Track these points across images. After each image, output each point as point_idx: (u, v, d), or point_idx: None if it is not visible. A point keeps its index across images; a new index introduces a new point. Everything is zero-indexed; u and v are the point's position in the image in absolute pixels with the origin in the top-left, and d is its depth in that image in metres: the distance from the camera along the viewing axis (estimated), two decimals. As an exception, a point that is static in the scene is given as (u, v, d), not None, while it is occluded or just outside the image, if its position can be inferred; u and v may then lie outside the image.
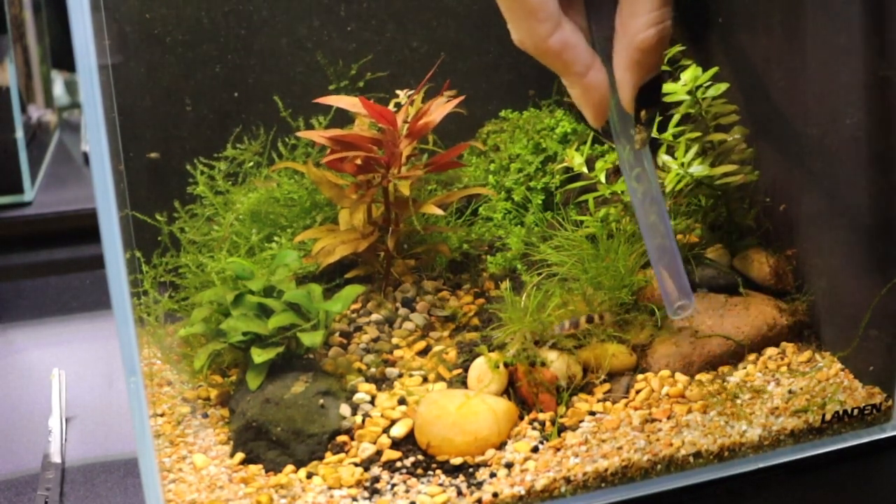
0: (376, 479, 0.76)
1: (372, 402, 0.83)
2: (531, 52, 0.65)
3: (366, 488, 0.75)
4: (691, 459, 0.78)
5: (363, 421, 0.81)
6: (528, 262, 0.92)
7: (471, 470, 0.77)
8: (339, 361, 0.87)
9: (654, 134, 0.92)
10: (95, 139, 0.60)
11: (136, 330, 0.65)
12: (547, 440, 0.79)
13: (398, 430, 0.80)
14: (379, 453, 0.78)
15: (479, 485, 0.75)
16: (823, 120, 0.86)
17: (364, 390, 0.84)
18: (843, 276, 0.88)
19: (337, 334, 0.91)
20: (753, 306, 0.90)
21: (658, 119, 0.73)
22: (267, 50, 1.01)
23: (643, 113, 0.67)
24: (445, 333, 0.92)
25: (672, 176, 0.92)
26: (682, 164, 0.91)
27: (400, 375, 0.87)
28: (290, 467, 0.77)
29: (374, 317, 0.94)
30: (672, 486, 0.78)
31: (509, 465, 0.76)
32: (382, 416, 0.82)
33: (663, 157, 0.93)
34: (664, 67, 0.93)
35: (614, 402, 0.83)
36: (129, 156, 0.99)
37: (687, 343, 0.87)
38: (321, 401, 0.81)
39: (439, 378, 0.86)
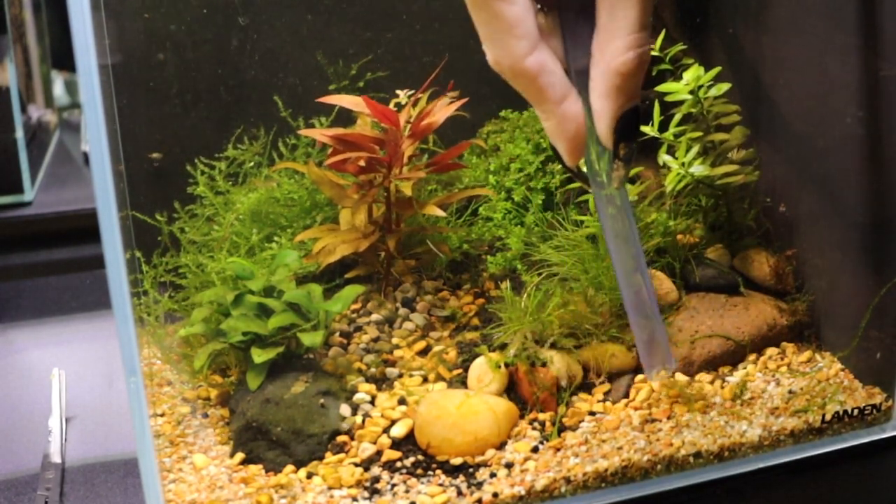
0: (376, 479, 0.76)
1: (372, 402, 0.83)
2: (506, 73, 0.61)
3: (366, 488, 0.75)
4: (691, 459, 0.78)
5: (363, 421, 0.81)
6: (529, 262, 0.92)
7: (471, 470, 0.77)
8: (339, 361, 0.87)
9: (655, 133, 0.92)
10: (95, 139, 0.60)
11: (136, 330, 0.65)
12: (547, 440, 0.79)
13: (398, 430, 0.80)
14: (379, 453, 0.78)
15: (479, 485, 0.75)
16: (824, 120, 0.86)
17: (364, 390, 0.84)
18: (843, 276, 0.88)
19: (337, 334, 0.91)
20: (753, 306, 0.90)
21: (642, 139, 0.68)
22: (267, 49, 1.01)
23: (622, 147, 0.64)
24: (445, 333, 0.92)
25: (672, 176, 0.92)
26: (683, 164, 0.91)
27: (400, 375, 0.87)
28: (290, 467, 0.77)
29: (374, 317, 0.94)
30: (672, 486, 0.78)
31: (509, 465, 0.76)
32: (382, 416, 0.82)
33: (664, 157, 0.93)
34: (665, 66, 0.94)
35: (614, 402, 0.83)
36: (129, 156, 0.98)
37: (687, 343, 0.87)
38: (321, 401, 0.81)
39: (439, 378, 0.86)
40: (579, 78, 0.63)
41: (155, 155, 1.00)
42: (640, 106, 0.63)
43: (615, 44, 0.60)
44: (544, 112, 0.63)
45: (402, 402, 0.83)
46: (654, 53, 0.93)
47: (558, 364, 0.83)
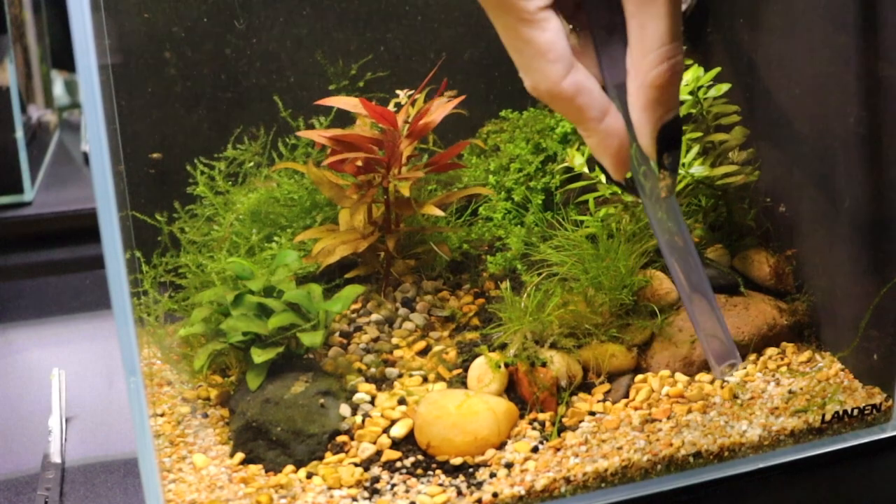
0: (376, 479, 0.76)
1: (372, 402, 0.83)
2: (544, 97, 0.62)
3: (366, 488, 0.75)
4: (691, 459, 0.78)
5: (363, 421, 0.81)
6: (528, 262, 0.92)
7: (471, 470, 0.77)
8: (339, 361, 0.87)
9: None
10: (95, 139, 0.60)
11: (136, 330, 0.65)
12: (547, 440, 0.79)
13: (398, 430, 0.80)
14: (379, 453, 0.78)
15: (479, 485, 0.75)
16: (824, 119, 0.86)
17: (364, 390, 0.84)
18: (843, 276, 0.88)
19: (337, 334, 0.92)
20: (753, 306, 0.90)
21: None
22: (267, 49, 1.01)
23: (665, 157, 0.64)
24: (445, 333, 0.92)
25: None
26: (683, 165, 0.91)
27: (400, 375, 0.87)
28: (289, 467, 0.77)
29: (374, 317, 0.94)
30: (672, 486, 0.78)
31: (509, 465, 0.76)
32: (382, 416, 0.82)
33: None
34: None
35: (614, 402, 0.83)
36: (129, 156, 0.99)
37: (687, 343, 0.87)
38: (321, 401, 0.81)
39: (439, 378, 0.86)
40: (617, 92, 0.63)
41: (155, 155, 1.00)
42: (680, 117, 0.63)
43: (648, 58, 0.60)
44: (586, 130, 0.63)
45: (402, 402, 0.83)
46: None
47: (558, 364, 0.83)
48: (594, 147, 0.64)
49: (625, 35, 0.61)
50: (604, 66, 0.64)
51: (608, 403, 0.83)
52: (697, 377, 0.86)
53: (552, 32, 0.60)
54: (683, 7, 0.67)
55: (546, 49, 0.60)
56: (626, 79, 0.63)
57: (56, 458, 0.83)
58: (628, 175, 0.66)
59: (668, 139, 0.63)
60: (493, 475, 0.76)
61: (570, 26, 0.64)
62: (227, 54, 1.00)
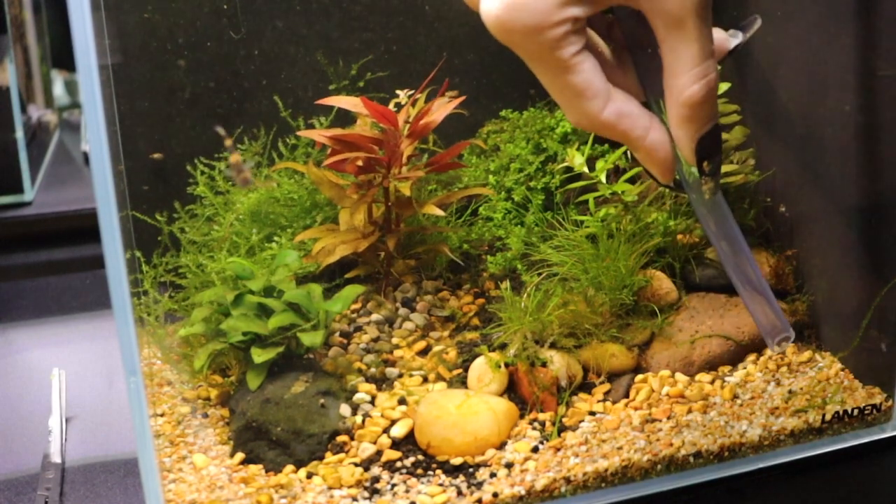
0: (376, 479, 0.76)
1: (372, 402, 0.83)
2: (588, 129, 0.65)
3: (366, 488, 0.75)
4: (691, 459, 0.78)
5: (363, 421, 0.81)
6: (529, 262, 0.92)
7: (471, 470, 0.77)
8: (339, 361, 0.87)
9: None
10: (95, 139, 0.60)
11: (136, 330, 0.65)
12: (547, 440, 0.79)
13: (398, 430, 0.80)
14: (379, 453, 0.78)
15: (479, 485, 0.75)
16: (824, 119, 0.86)
17: (364, 390, 0.84)
18: (843, 276, 0.88)
19: (337, 334, 0.91)
20: (753, 306, 0.90)
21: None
22: (267, 49, 1.01)
23: (705, 165, 0.67)
24: (445, 333, 0.92)
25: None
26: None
27: (400, 375, 0.87)
28: (290, 467, 0.77)
29: (374, 317, 0.94)
30: (672, 486, 0.78)
31: (509, 465, 0.76)
32: (382, 416, 0.82)
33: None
34: None
35: (614, 402, 0.83)
36: (129, 156, 0.99)
37: (687, 343, 0.87)
38: (321, 401, 0.81)
39: (439, 378, 0.86)
40: (659, 106, 0.66)
41: (156, 155, 1.00)
42: (719, 126, 0.66)
43: (681, 80, 0.63)
44: (632, 148, 0.66)
45: (402, 402, 0.83)
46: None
47: (558, 364, 0.83)
48: (641, 160, 0.67)
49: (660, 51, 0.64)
50: (643, 81, 0.67)
51: (608, 403, 0.83)
52: (697, 377, 0.86)
53: (587, 72, 0.63)
54: (734, 43, 0.70)
55: (583, 89, 0.63)
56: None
57: (56, 458, 0.83)
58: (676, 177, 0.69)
59: (707, 149, 0.66)
60: (493, 475, 0.76)
61: (611, 44, 0.67)
62: (227, 54, 1.00)
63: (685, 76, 0.62)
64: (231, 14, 0.99)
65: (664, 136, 0.66)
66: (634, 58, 0.67)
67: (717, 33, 0.68)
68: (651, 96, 0.66)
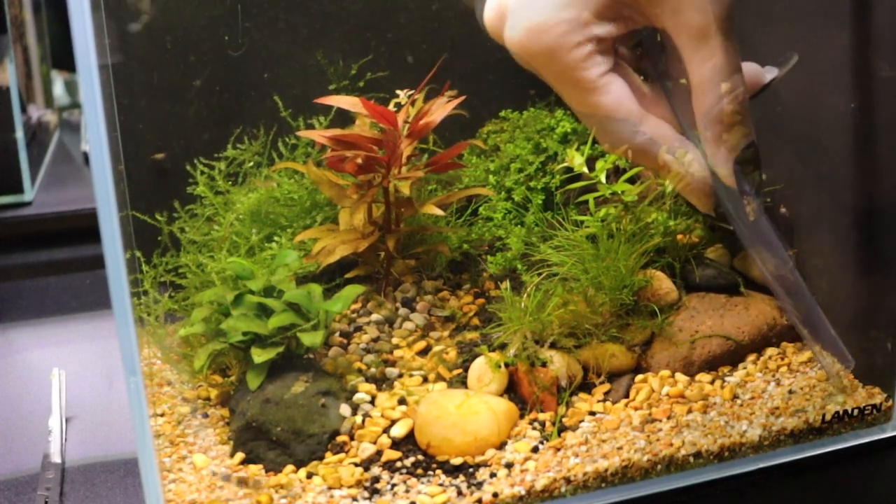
0: (376, 479, 0.76)
1: (372, 402, 0.83)
2: (623, 155, 0.65)
3: (366, 488, 0.75)
4: (691, 459, 0.78)
5: (363, 421, 0.81)
6: (529, 262, 0.92)
7: (471, 470, 0.77)
8: (339, 361, 0.87)
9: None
10: (95, 139, 0.60)
11: (136, 330, 0.65)
12: (547, 440, 0.79)
13: (398, 430, 0.80)
14: (379, 453, 0.78)
15: (479, 485, 0.75)
16: (824, 119, 0.86)
17: (364, 390, 0.84)
18: (843, 276, 0.88)
19: (337, 334, 0.91)
20: (753, 306, 0.90)
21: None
22: (267, 49, 1.01)
23: (745, 182, 0.66)
24: (445, 333, 0.92)
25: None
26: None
27: (400, 375, 0.87)
28: (290, 467, 0.77)
29: (374, 317, 0.94)
30: (672, 486, 0.78)
31: (509, 465, 0.76)
32: (382, 416, 0.82)
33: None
34: None
35: (614, 402, 0.83)
36: (129, 156, 0.99)
37: (687, 343, 0.87)
38: (321, 401, 0.81)
39: (439, 378, 0.86)
40: (692, 134, 0.65)
41: (158, 155, 1.00)
42: (755, 143, 0.65)
43: (709, 96, 0.62)
44: (670, 178, 0.66)
45: (402, 402, 0.83)
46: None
47: (558, 364, 0.83)
48: (680, 190, 0.67)
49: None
50: (676, 112, 0.66)
51: (608, 403, 0.83)
52: (697, 377, 0.86)
53: (616, 93, 0.63)
54: (769, 78, 0.70)
55: (613, 109, 0.63)
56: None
57: (56, 458, 0.83)
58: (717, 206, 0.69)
59: (745, 167, 0.65)
60: (493, 475, 0.76)
61: (642, 76, 0.66)
62: (227, 54, 1.00)
63: (713, 92, 0.62)
64: (231, 13, 0.99)
65: (701, 161, 0.65)
66: (665, 89, 0.66)
67: (753, 67, 0.67)
68: (686, 126, 0.66)
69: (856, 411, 0.82)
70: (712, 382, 0.85)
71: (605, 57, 0.61)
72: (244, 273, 0.86)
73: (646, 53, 0.66)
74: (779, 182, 0.93)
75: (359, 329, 0.93)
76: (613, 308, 0.87)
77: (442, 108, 0.90)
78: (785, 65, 0.73)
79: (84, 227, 1.26)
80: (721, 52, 0.61)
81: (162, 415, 0.84)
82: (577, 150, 0.96)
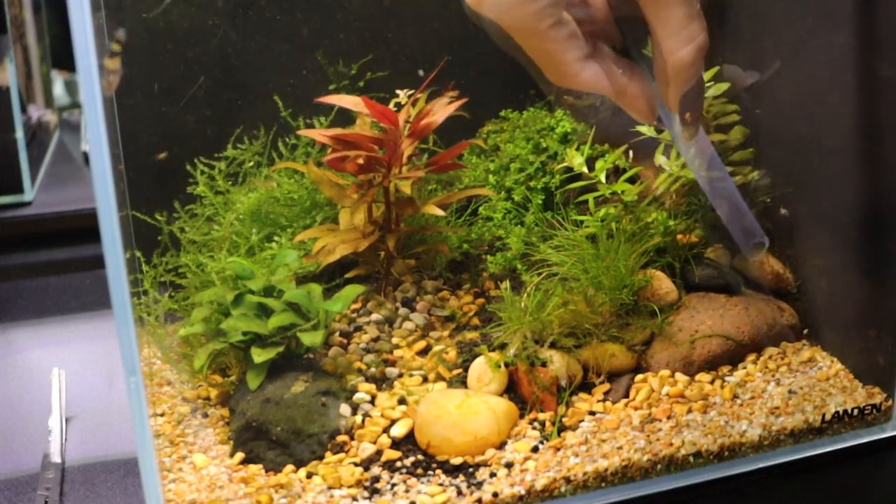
0: (376, 479, 0.76)
1: (372, 402, 0.83)
2: (568, 87, 0.68)
3: (366, 488, 0.75)
4: (691, 459, 0.78)
5: (363, 421, 0.81)
6: (528, 262, 0.92)
7: (471, 470, 0.77)
8: (339, 361, 0.87)
9: (653, 134, 0.92)
10: (95, 139, 0.60)
11: (136, 330, 0.65)
12: (547, 440, 0.79)
13: (398, 430, 0.80)
14: (379, 453, 0.78)
15: (479, 485, 0.75)
16: (824, 120, 0.86)
17: (364, 390, 0.84)
18: (843, 276, 0.88)
19: (337, 334, 0.92)
20: (753, 306, 0.90)
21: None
22: (267, 49, 1.01)
23: (688, 116, 0.69)
24: (445, 333, 0.92)
25: (664, 177, 0.92)
26: (679, 166, 0.91)
27: (400, 375, 0.87)
28: (290, 467, 0.77)
29: (374, 317, 0.94)
30: (672, 486, 0.78)
31: (509, 465, 0.76)
32: (382, 415, 0.82)
33: (660, 158, 0.93)
34: None
35: (614, 402, 0.83)
36: (129, 156, 0.99)
37: (687, 343, 0.87)
38: (321, 401, 0.81)
39: (439, 378, 0.86)
40: (637, 50, 0.68)
41: (161, 155, 1.00)
42: (703, 79, 0.68)
43: (671, 40, 0.64)
44: (615, 99, 0.69)
45: (402, 401, 0.83)
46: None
47: (558, 364, 0.83)
48: (624, 106, 0.69)
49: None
50: (622, 26, 0.68)
51: (608, 403, 0.83)
52: (697, 377, 0.86)
53: (565, 41, 0.65)
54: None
55: (562, 54, 0.66)
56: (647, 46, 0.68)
57: (56, 458, 0.83)
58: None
59: (690, 103, 0.68)
60: (493, 475, 0.76)
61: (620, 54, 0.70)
62: (227, 54, 1.00)
63: (676, 37, 0.64)
64: (231, 14, 0.99)
65: (643, 85, 0.68)
66: (623, 31, 0.68)
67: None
68: (629, 40, 0.67)
69: (856, 411, 0.82)
70: (712, 382, 0.85)
71: (556, 7, 0.63)
72: (244, 273, 0.86)
73: (625, 29, 0.68)
74: (779, 182, 0.93)
75: (359, 329, 0.93)
76: (613, 308, 0.87)
77: (443, 109, 0.90)
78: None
79: (84, 227, 1.26)
80: (681, 1, 0.64)
81: (162, 415, 0.84)
82: (577, 149, 0.96)
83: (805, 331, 0.92)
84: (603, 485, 0.76)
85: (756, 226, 0.74)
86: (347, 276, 0.95)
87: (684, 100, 0.68)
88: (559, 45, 0.65)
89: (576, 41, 0.65)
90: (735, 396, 0.83)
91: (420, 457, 0.78)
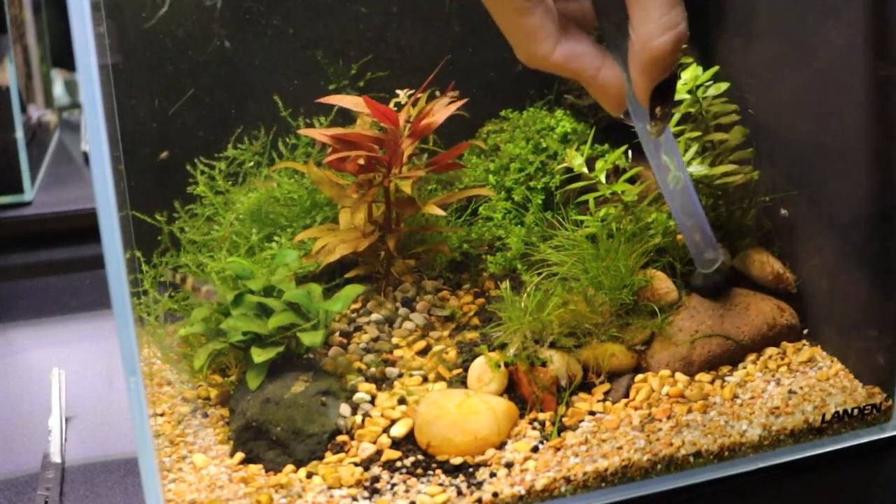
0: (376, 479, 0.76)
1: (372, 402, 0.83)
2: (537, 68, 0.66)
3: (366, 488, 0.75)
4: (691, 459, 0.78)
5: (363, 421, 0.81)
6: (528, 262, 0.92)
7: (471, 470, 0.77)
8: (339, 361, 0.87)
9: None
10: (95, 139, 0.60)
11: (136, 330, 0.65)
12: (547, 440, 0.79)
13: (398, 430, 0.80)
14: (379, 453, 0.78)
15: (479, 484, 0.75)
16: (824, 119, 0.86)
17: (364, 390, 0.84)
18: (843, 276, 0.88)
19: (337, 334, 0.92)
20: (753, 306, 0.90)
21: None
22: (267, 49, 1.01)
23: (658, 109, 0.67)
24: (445, 333, 0.92)
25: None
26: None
27: (400, 375, 0.87)
28: (289, 467, 0.77)
29: (374, 316, 0.94)
30: (672, 486, 0.78)
31: (509, 465, 0.76)
32: (382, 415, 0.82)
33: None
34: None
35: (614, 402, 0.83)
36: (129, 156, 0.99)
37: (687, 343, 0.87)
38: (321, 400, 0.81)
39: (439, 378, 0.86)
40: (616, 42, 0.66)
41: (163, 155, 1.00)
42: (676, 73, 0.66)
43: (648, 27, 0.62)
44: (584, 84, 0.66)
45: (402, 401, 0.83)
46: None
47: (558, 364, 0.83)
48: (593, 94, 0.67)
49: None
50: (602, 21, 0.66)
51: (608, 403, 0.83)
52: (697, 377, 0.86)
53: (539, 16, 0.63)
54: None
55: (535, 31, 0.63)
56: (624, 32, 0.64)
57: (56, 458, 0.83)
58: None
59: (662, 96, 0.66)
60: (493, 475, 0.76)
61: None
62: (226, 54, 1.00)
63: (654, 23, 0.61)
64: (231, 13, 0.99)
65: (615, 73, 0.65)
66: (598, 10, 0.66)
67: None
68: (606, 24, 0.66)
69: (856, 411, 0.82)
70: (712, 382, 0.85)
71: (558, 15, 0.62)
72: (244, 273, 0.86)
73: (602, 12, 0.66)
74: (779, 182, 0.93)
75: (359, 329, 0.93)
76: (613, 308, 0.87)
77: (444, 109, 0.90)
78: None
79: (84, 227, 1.26)
80: None
81: (162, 415, 0.84)
82: (577, 149, 0.96)
83: (805, 331, 0.92)
84: (603, 485, 0.76)
85: (710, 239, 0.74)
86: (347, 276, 0.95)
87: (656, 92, 0.66)
88: (533, 19, 0.63)
89: (550, 18, 0.63)
90: (735, 396, 0.83)
91: (420, 457, 0.78)
